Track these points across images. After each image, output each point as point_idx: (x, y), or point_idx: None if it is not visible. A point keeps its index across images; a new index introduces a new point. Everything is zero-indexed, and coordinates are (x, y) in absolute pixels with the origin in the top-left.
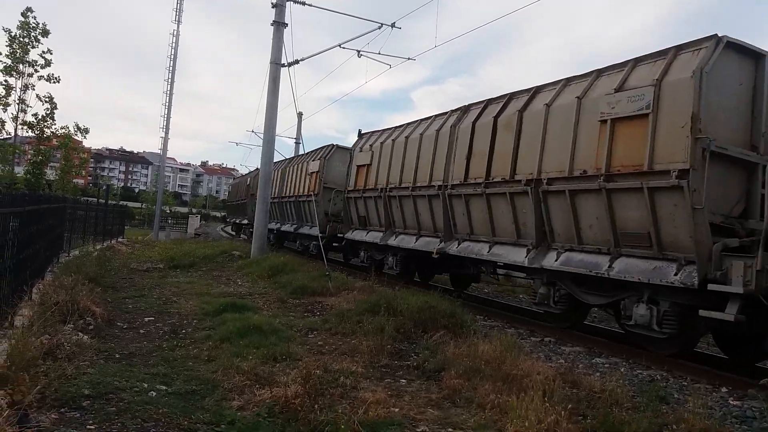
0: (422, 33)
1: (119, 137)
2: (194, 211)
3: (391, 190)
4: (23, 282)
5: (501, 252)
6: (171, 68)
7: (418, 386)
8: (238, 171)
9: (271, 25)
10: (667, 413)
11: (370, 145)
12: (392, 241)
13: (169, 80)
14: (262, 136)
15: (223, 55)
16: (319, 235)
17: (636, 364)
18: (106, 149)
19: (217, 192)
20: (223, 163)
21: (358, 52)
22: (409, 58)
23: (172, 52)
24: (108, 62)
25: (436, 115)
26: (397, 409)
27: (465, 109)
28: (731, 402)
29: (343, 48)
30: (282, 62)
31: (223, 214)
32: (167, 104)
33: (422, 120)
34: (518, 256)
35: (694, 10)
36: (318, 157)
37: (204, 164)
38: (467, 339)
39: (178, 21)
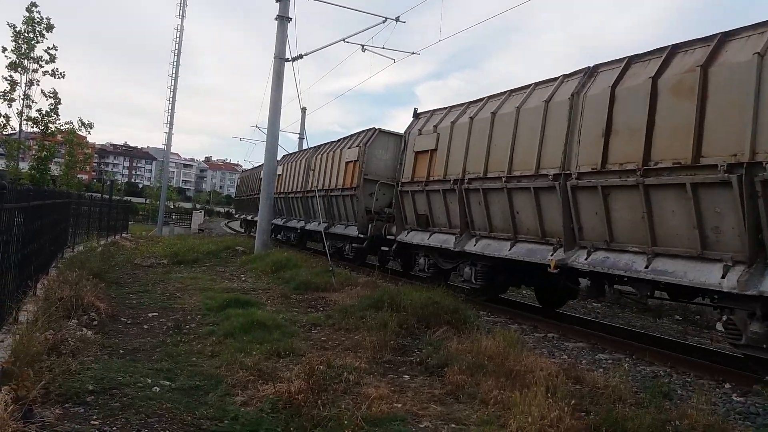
0: (426, 27)
1: (123, 132)
2: (198, 206)
3: (471, 182)
4: (28, 277)
5: (670, 268)
6: (175, 63)
7: (421, 382)
8: (241, 166)
9: (275, 19)
10: (671, 409)
11: (435, 126)
12: (471, 247)
13: (173, 75)
14: (266, 131)
15: (228, 49)
16: (322, 230)
17: (639, 360)
18: (110, 144)
19: (220, 187)
20: (226, 159)
21: (363, 46)
22: (413, 53)
23: (176, 47)
24: (113, 57)
25: (537, 84)
26: (400, 405)
27: (590, 72)
28: (735, 398)
29: (347, 42)
30: (286, 57)
31: (227, 209)
32: (171, 99)
33: (513, 91)
34: (707, 275)
35: (698, 5)
36: (356, 143)
37: (208, 160)
38: (470, 335)
39: (182, 16)
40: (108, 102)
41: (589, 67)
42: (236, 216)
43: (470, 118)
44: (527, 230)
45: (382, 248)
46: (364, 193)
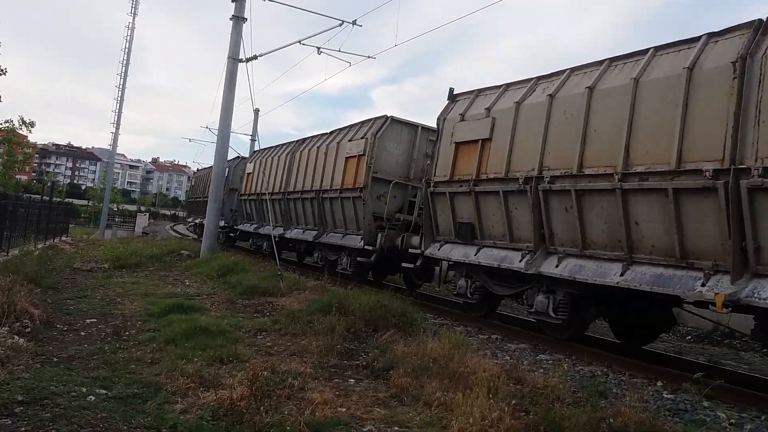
0: (383, 31)
1: (68, 132)
2: (143, 209)
3: (554, 180)
4: None
5: None
6: (125, 62)
7: (366, 385)
8: (190, 168)
9: (230, 19)
10: (606, 407)
11: (487, 110)
12: (551, 269)
13: (122, 74)
14: (216, 132)
15: (180, 48)
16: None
17: (578, 360)
18: (53, 144)
19: (167, 189)
20: (175, 160)
21: (318, 48)
22: (369, 57)
23: (127, 45)
24: (59, 54)
25: (658, 48)
26: (344, 409)
27: (762, 27)
28: (666, 395)
29: (303, 44)
30: (240, 57)
31: (174, 212)
32: (119, 99)
33: (614, 60)
34: None
35: (650, 13)
36: (362, 134)
37: (155, 161)
38: (417, 337)
39: (134, 14)
40: (53, 100)
41: (760, 20)
42: (189, 221)
43: (549, 96)
44: (652, 248)
45: (404, 265)
46: (372, 195)
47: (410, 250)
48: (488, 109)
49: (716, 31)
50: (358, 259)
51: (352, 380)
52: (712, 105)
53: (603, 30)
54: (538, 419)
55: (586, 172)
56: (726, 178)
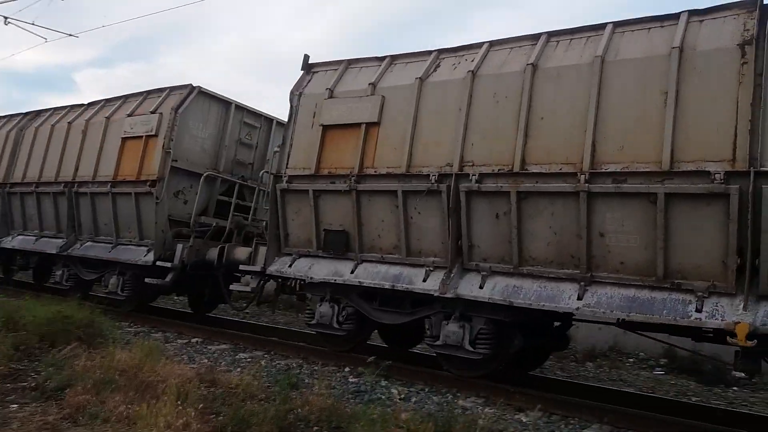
0: (90, 10)
1: None
2: None
3: (483, 179)
4: None
5: None
6: None
7: (33, 409)
8: None
9: None
10: (296, 398)
11: (372, 85)
12: (475, 292)
13: None
14: None
15: None
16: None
17: (276, 355)
18: None
19: None
20: None
21: (6, 18)
22: (70, 35)
23: None
24: None
25: (618, 24)
26: None
27: None
28: (350, 379)
29: None
30: None
31: None
32: None
33: (553, 34)
34: None
35: (363, 30)
36: (153, 107)
37: None
38: (104, 349)
39: None
40: None
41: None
42: None
43: (470, 72)
44: (620, 266)
45: (234, 288)
46: (168, 191)
47: (241, 267)
48: (373, 85)
49: (698, 9)
50: (146, 280)
51: (15, 405)
52: (713, 93)
53: (317, 39)
54: (227, 420)
55: (531, 170)
56: (741, 182)
